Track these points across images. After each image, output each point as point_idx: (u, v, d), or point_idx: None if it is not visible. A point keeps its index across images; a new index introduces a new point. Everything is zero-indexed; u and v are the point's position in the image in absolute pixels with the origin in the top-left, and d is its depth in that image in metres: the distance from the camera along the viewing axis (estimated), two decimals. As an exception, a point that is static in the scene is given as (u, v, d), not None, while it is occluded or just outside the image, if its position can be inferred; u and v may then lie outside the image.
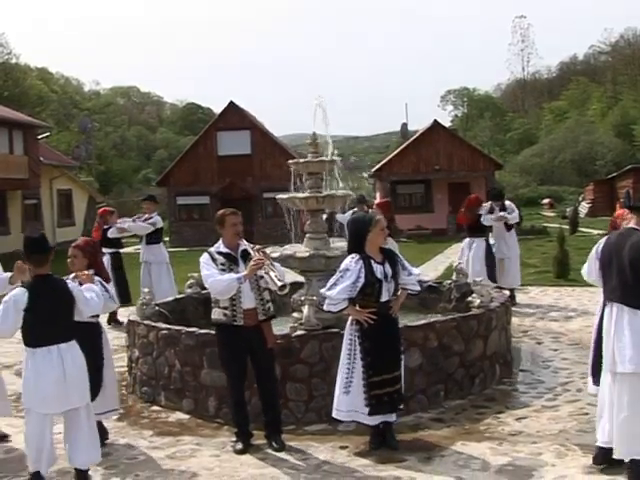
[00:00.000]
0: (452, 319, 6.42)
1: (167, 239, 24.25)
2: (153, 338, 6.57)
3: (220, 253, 5.26)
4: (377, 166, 33.31)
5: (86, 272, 5.06)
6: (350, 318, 5.18)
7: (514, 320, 8.38)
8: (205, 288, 8.49)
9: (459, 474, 4.66)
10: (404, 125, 32.65)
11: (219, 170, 29.41)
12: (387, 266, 5.11)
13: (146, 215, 10.55)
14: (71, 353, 4.64)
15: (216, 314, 5.29)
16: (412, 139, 31.70)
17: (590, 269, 4.81)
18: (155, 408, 6.45)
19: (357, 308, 5.11)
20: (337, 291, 5.02)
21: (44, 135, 28.19)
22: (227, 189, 28.78)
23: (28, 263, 4.79)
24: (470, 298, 7.00)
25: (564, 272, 13.03)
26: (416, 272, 5.38)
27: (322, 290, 5.20)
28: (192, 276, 8.41)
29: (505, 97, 74.23)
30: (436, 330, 6.16)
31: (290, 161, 7.57)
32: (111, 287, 5.62)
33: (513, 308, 8.77)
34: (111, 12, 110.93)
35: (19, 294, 4.55)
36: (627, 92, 61.17)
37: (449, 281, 8.52)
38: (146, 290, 7.35)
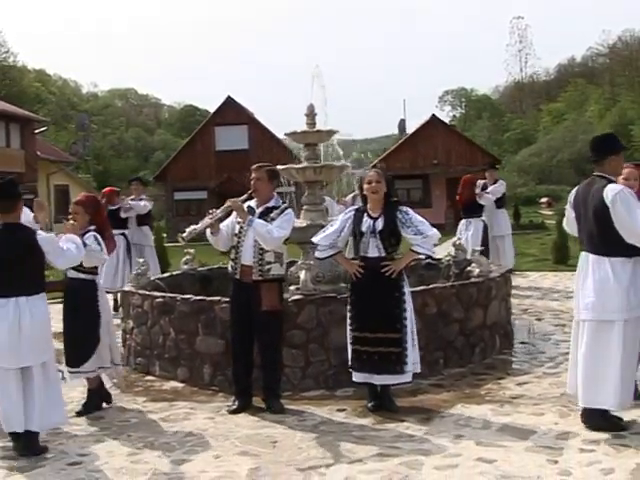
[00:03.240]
0: (451, 286, 6.32)
1: (165, 235, 24.09)
2: (148, 307, 6.46)
3: (249, 206, 5.29)
4: (374, 161, 33.16)
5: (70, 222, 4.91)
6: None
7: (514, 301, 8.27)
8: (202, 265, 8.49)
9: (459, 432, 4.55)
10: (402, 121, 32.48)
11: (217, 165, 29.30)
12: (380, 221, 4.97)
13: (132, 196, 10.48)
14: (31, 308, 4.40)
15: (228, 265, 5.37)
16: (410, 134, 31.58)
17: (568, 220, 4.85)
18: (149, 378, 6.34)
19: (353, 262, 5.10)
20: (320, 237, 5.12)
21: (41, 129, 28.10)
22: (225, 184, 28.61)
23: None
24: (469, 268, 6.90)
25: (563, 258, 12.93)
26: (429, 233, 4.92)
27: (313, 238, 5.22)
28: (188, 252, 8.30)
29: (503, 99, 74.26)
30: (435, 296, 6.06)
31: (287, 132, 7.48)
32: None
33: (512, 291, 8.66)
34: (109, 14, 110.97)
35: None
36: (625, 93, 61.13)
37: (447, 257, 8.41)
38: (141, 260, 7.24)
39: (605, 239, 4.37)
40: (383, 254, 4.98)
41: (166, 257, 13.50)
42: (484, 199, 10.47)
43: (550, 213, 37.32)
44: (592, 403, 4.40)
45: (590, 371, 4.39)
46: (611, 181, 4.46)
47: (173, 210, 30.33)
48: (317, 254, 5.23)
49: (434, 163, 29.49)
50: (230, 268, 5.30)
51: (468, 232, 10.30)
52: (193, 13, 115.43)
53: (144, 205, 10.39)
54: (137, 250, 10.35)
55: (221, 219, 5.40)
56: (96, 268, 5.33)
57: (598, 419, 4.40)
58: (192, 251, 8.38)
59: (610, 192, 4.32)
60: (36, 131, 26.62)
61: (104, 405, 5.44)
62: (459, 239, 9.20)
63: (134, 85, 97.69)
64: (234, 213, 5.25)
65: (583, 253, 4.58)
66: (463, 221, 10.58)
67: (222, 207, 5.28)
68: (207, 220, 5.21)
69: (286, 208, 5.26)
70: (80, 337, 5.17)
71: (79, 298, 5.20)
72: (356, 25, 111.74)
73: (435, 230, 5.08)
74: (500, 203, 10.90)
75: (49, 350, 4.60)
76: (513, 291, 8.35)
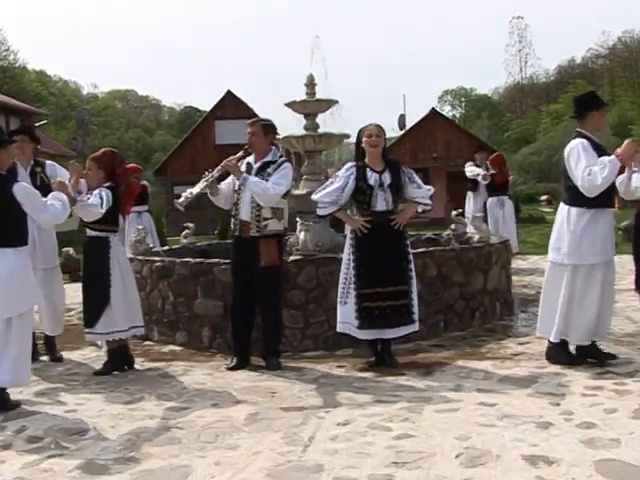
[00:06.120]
0: (451, 249, 6.29)
1: (165, 230, 24.03)
2: (147, 272, 6.42)
3: (247, 162, 5.30)
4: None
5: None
6: (349, 228, 5.06)
7: (515, 278, 8.21)
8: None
9: (460, 382, 4.52)
10: (402, 117, 32.35)
11: (216, 159, 28.95)
12: (386, 175, 4.95)
13: None
14: None
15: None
16: (409, 127, 31.36)
17: None
18: (148, 343, 6.29)
19: (356, 217, 5.00)
20: (322, 194, 5.01)
21: (41, 123, 28.05)
22: (225, 178, 28.42)
23: None
24: (469, 234, 6.87)
25: (563, 241, 12.87)
26: (428, 187, 5.13)
27: (313, 195, 5.12)
28: (187, 226, 8.27)
29: (503, 100, 74.23)
30: (435, 259, 6.02)
31: (286, 102, 7.43)
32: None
33: (513, 271, 8.60)
34: (109, 14, 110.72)
35: None
36: (624, 94, 61.17)
37: (447, 232, 8.38)
38: (140, 227, 7.20)
39: (566, 189, 4.72)
40: (391, 207, 4.95)
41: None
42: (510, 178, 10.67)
43: (550, 210, 37.37)
44: (544, 333, 4.89)
45: (545, 306, 4.85)
46: (580, 135, 4.65)
47: (173, 204, 30.23)
48: (318, 211, 5.09)
49: (434, 157, 29.31)
50: (232, 225, 5.26)
51: (504, 209, 10.28)
52: (192, 14, 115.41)
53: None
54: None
55: (219, 180, 5.38)
56: (112, 225, 5.13)
57: (555, 351, 4.79)
58: (191, 225, 8.35)
59: (568, 145, 4.63)
60: (36, 124, 26.58)
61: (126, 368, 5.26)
62: (484, 217, 9.09)
63: (134, 86, 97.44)
64: None
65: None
66: (493, 199, 10.44)
67: (217, 168, 5.24)
68: (202, 183, 5.19)
69: (283, 162, 5.20)
70: (89, 296, 5.10)
71: (91, 256, 5.13)
72: (355, 25, 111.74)
73: (430, 187, 5.19)
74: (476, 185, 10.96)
75: (17, 306, 4.28)
76: (514, 270, 8.32)
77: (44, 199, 4.44)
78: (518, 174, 49.41)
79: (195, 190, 5.26)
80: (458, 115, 68.36)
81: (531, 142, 58.64)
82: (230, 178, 5.33)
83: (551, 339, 4.79)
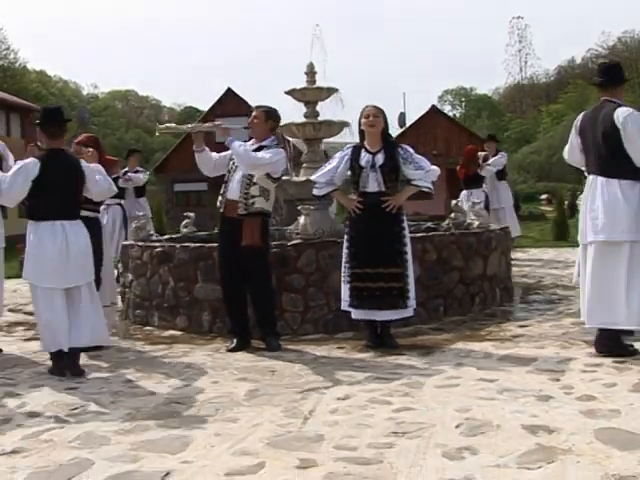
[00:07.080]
0: (451, 234, 6.30)
1: (165, 227, 24.05)
2: (147, 258, 6.43)
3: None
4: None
5: (90, 150, 4.97)
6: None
7: (514, 269, 8.22)
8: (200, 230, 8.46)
9: (460, 361, 4.52)
10: (402, 115, 32.30)
11: (216, 157, 29.13)
12: (379, 156, 4.92)
13: (127, 168, 10.47)
14: (75, 231, 4.60)
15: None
16: (409, 125, 31.34)
17: (571, 148, 4.75)
18: (148, 328, 6.31)
19: (350, 198, 5.03)
20: (318, 175, 5.12)
21: (41, 120, 28.07)
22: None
23: (43, 135, 4.71)
24: (469, 220, 6.88)
25: (563, 234, 12.91)
26: (430, 168, 4.98)
27: (311, 177, 5.22)
28: (188, 215, 8.27)
29: (503, 100, 74.24)
30: (435, 243, 6.02)
31: (286, 90, 7.44)
32: None
33: (513, 262, 8.58)
34: (108, 15, 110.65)
35: (31, 164, 4.50)
36: (625, 94, 60.98)
37: (447, 221, 8.37)
38: (141, 214, 7.21)
39: (615, 161, 4.34)
40: (383, 189, 4.93)
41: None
42: (485, 171, 10.48)
43: (550, 209, 37.35)
44: (600, 323, 4.38)
45: (597, 291, 4.37)
46: (621, 105, 4.43)
47: (173, 201, 30.29)
48: (315, 192, 5.17)
49: (434, 154, 29.24)
50: (218, 203, 5.30)
51: (469, 203, 10.22)
52: (192, 15, 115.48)
53: (143, 177, 10.46)
54: (134, 220, 10.31)
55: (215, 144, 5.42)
56: (99, 205, 5.37)
57: (608, 341, 4.39)
58: (192, 215, 8.36)
59: (621, 114, 4.31)
60: (36, 121, 26.66)
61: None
62: (459, 201, 9.12)
63: (134, 86, 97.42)
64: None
65: (591, 176, 4.51)
66: (464, 192, 10.44)
67: (209, 124, 5.38)
68: (187, 127, 5.34)
69: (277, 146, 5.24)
70: None
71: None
72: (355, 25, 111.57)
73: (436, 167, 5.10)
74: (501, 175, 10.91)
75: (92, 271, 4.75)
76: (513, 262, 8.32)
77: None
78: (518, 173, 49.55)
79: (179, 127, 5.49)
80: (458, 115, 68.34)
81: (531, 142, 58.63)
82: (224, 153, 5.33)
83: (625, 327, 4.33)
